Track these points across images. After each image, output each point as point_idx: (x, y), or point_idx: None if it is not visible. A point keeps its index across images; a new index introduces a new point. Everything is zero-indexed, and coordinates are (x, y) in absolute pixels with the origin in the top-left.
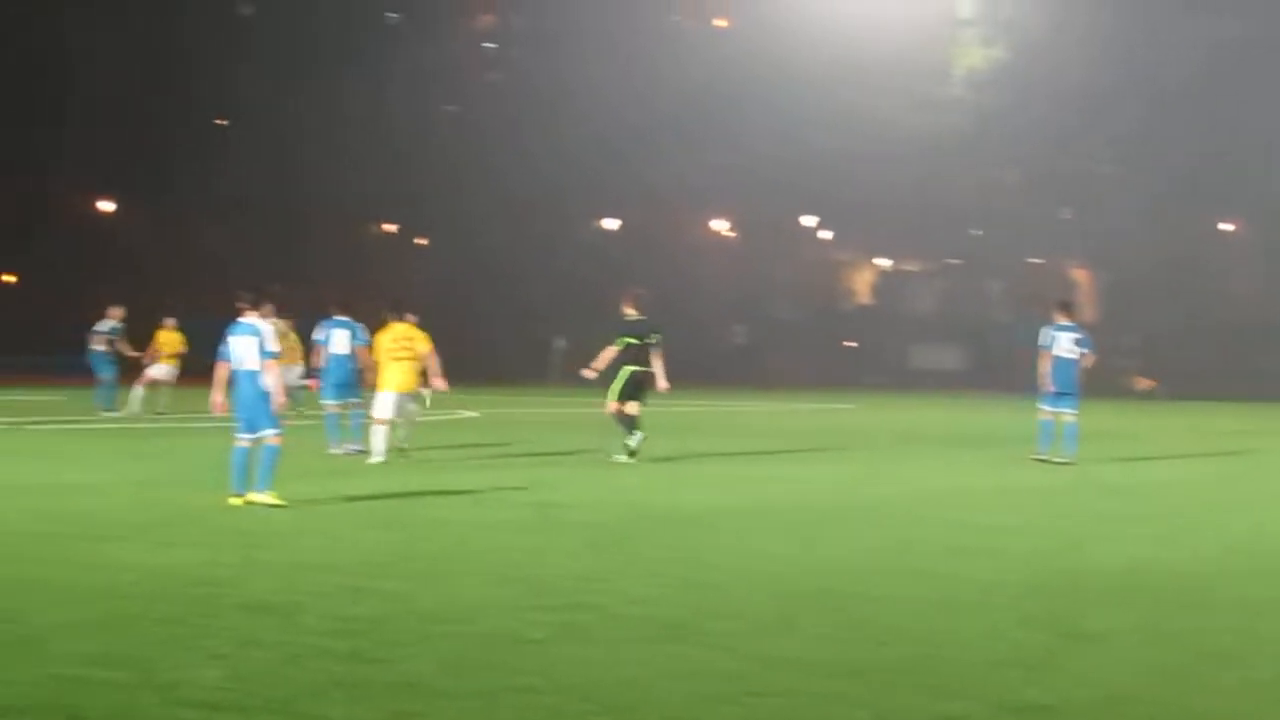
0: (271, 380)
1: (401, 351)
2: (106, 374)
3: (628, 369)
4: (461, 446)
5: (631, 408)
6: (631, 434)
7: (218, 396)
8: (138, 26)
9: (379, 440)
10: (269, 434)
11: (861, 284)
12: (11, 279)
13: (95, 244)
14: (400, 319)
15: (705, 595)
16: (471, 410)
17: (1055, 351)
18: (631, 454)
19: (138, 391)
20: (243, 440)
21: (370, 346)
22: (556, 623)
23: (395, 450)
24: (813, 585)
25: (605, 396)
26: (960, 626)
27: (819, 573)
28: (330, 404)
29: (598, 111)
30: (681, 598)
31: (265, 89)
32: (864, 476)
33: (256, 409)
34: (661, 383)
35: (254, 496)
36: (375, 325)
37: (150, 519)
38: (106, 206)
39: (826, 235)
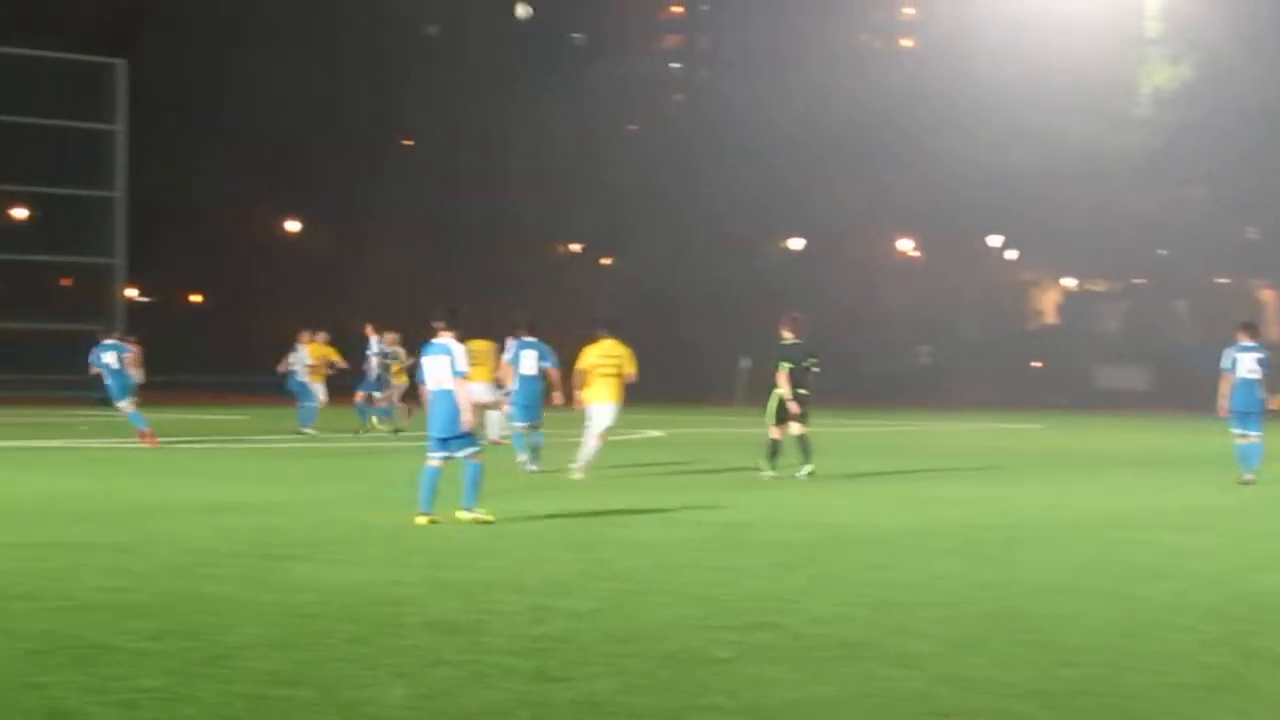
0: (464, 399)
1: (608, 366)
2: (307, 396)
3: (797, 391)
4: (648, 466)
5: (781, 430)
6: (774, 458)
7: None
8: (324, 48)
9: (587, 452)
10: (468, 452)
11: (1047, 304)
12: (198, 299)
13: (281, 264)
14: (610, 334)
15: (892, 615)
16: (657, 430)
17: (1237, 373)
18: (770, 470)
19: (398, 408)
20: (434, 460)
21: (558, 367)
22: (742, 642)
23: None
24: (998, 605)
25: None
26: (1144, 648)
27: (1005, 593)
28: (518, 424)
29: (784, 131)
30: (868, 617)
31: (450, 109)
32: (1049, 497)
33: (450, 429)
34: (793, 405)
35: (461, 515)
36: (562, 344)
37: (334, 537)
38: (293, 226)
39: (1012, 255)
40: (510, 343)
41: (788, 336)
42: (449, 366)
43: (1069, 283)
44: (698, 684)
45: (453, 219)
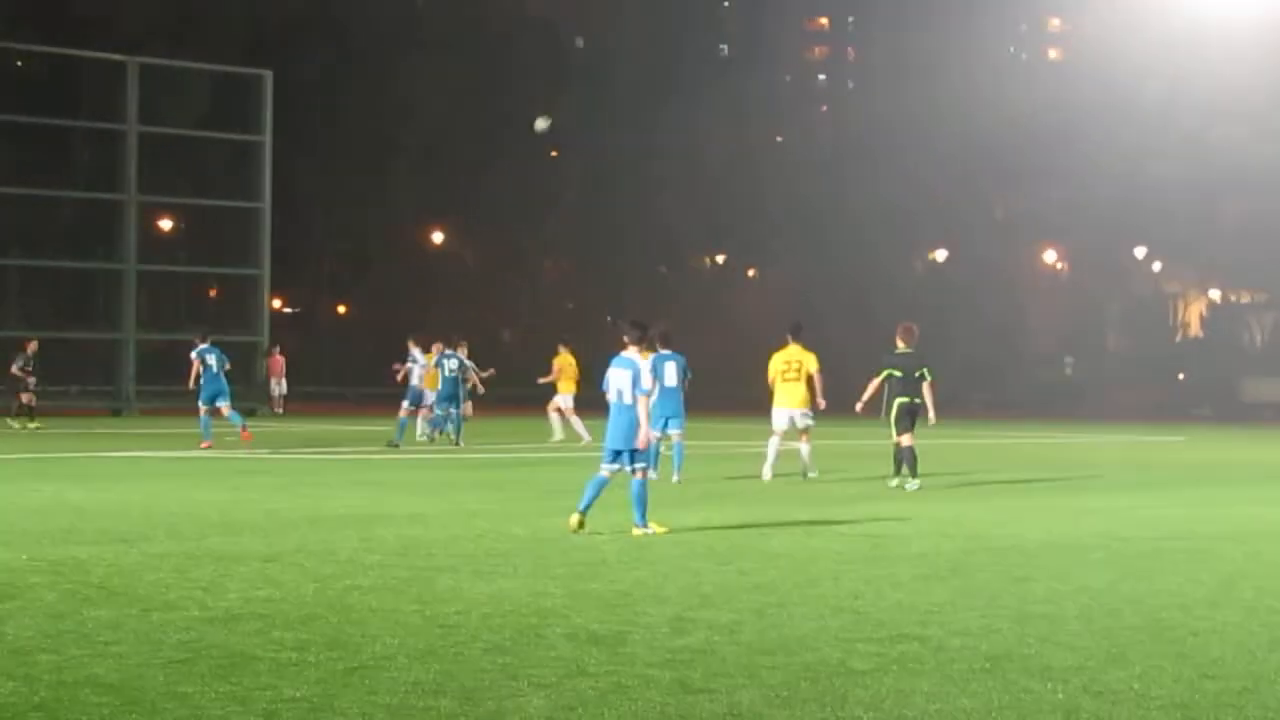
0: (643, 416)
1: (791, 372)
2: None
3: (897, 401)
4: (790, 476)
5: (910, 437)
6: (913, 465)
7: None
8: (473, 60)
9: (771, 453)
10: (637, 467)
11: (1192, 315)
12: (343, 310)
13: (424, 275)
14: (795, 340)
15: (1035, 627)
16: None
17: None
18: (901, 485)
19: (575, 423)
20: (605, 470)
21: (693, 379)
22: (883, 654)
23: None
24: (1141, 618)
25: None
26: None
27: (1148, 605)
28: (654, 434)
29: (928, 142)
30: (1011, 629)
31: (595, 121)
32: (1193, 509)
33: (626, 442)
34: (930, 415)
35: (635, 531)
36: (706, 354)
37: (478, 549)
38: (439, 238)
39: (1157, 266)
40: (652, 357)
41: (901, 346)
42: (632, 381)
43: (1214, 294)
44: (837, 696)
45: (599, 230)
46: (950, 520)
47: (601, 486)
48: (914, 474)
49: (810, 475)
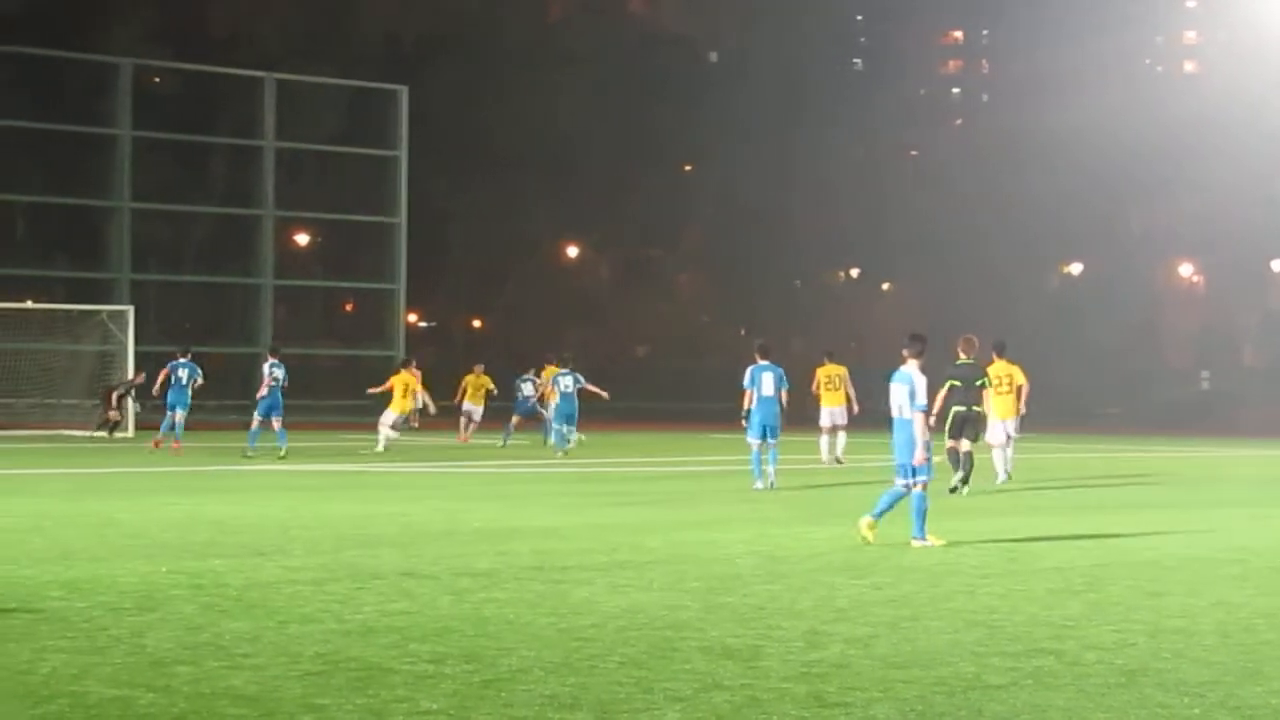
0: (920, 430)
1: (1004, 385)
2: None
3: (954, 409)
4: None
5: (962, 445)
6: (962, 469)
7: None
8: (606, 75)
9: (998, 462)
10: (917, 481)
11: None
12: (478, 324)
13: (559, 290)
14: (1002, 356)
15: (1170, 641)
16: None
17: None
18: (956, 489)
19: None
20: (899, 483)
21: (789, 390)
22: (1018, 668)
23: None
24: (1278, 633)
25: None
26: None
27: None
28: (754, 441)
29: (1064, 155)
30: (1147, 643)
31: (729, 135)
32: None
33: (907, 455)
34: (991, 428)
35: (915, 543)
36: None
37: (613, 561)
38: (573, 252)
39: None
40: (750, 368)
41: (962, 357)
42: (909, 396)
43: None
44: (973, 710)
45: (733, 244)
46: (1084, 534)
47: (896, 499)
48: (966, 479)
49: (1000, 480)
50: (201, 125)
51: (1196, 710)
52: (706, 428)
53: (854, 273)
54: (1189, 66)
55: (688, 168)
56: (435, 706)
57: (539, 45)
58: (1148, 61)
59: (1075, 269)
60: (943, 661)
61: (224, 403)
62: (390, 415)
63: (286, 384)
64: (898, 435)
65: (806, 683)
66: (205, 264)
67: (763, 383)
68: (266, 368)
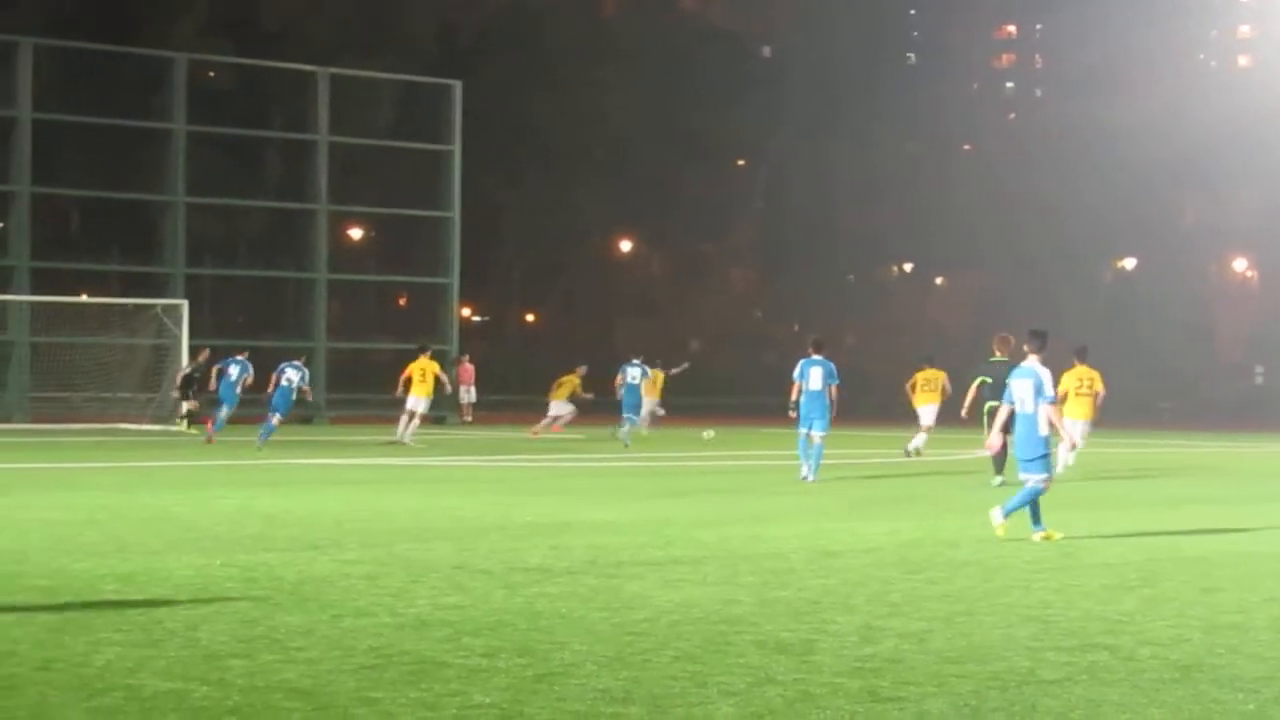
0: (1043, 424)
1: (1084, 388)
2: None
3: (988, 405)
4: (970, 489)
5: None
6: (1000, 465)
7: (994, 438)
8: (659, 70)
9: (1061, 454)
10: (1034, 477)
11: None
12: (531, 318)
13: (612, 284)
14: (1080, 360)
15: (1225, 637)
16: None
17: None
18: (1002, 483)
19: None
20: (1027, 480)
21: (840, 384)
22: (1073, 663)
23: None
24: None
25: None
26: None
27: None
28: (802, 431)
29: (1118, 150)
30: (1201, 639)
31: (781, 129)
32: None
33: (1027, 450)
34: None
35: (1035, 536)
36: (892, 363)
37: (667, 556)
38: (626, 246)
39: None
40: (800, 361)
41: (997, 355)
42: (1035, 390)
43: None
44: (1027, 705)
45: (786, 239)
46: (1138, 529)
47: (1031, 495)
48: (998, 471)
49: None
50: (255, 120)
51: (1251, 705)
52: (760, 422)
53: (906, 268)
54: (1243, 61)
55: (740, 163)
56: (488, 700)
57: (591, 41)
58: (1201, 56)
59: (1129, 264)
60: (997, 656)
61: None
62: (416, 401)
63: (307, 386)
64: (1020, 429)
65: (860, 677)
66: (259, 258)
67: (811, 376)
68: (287, 369)
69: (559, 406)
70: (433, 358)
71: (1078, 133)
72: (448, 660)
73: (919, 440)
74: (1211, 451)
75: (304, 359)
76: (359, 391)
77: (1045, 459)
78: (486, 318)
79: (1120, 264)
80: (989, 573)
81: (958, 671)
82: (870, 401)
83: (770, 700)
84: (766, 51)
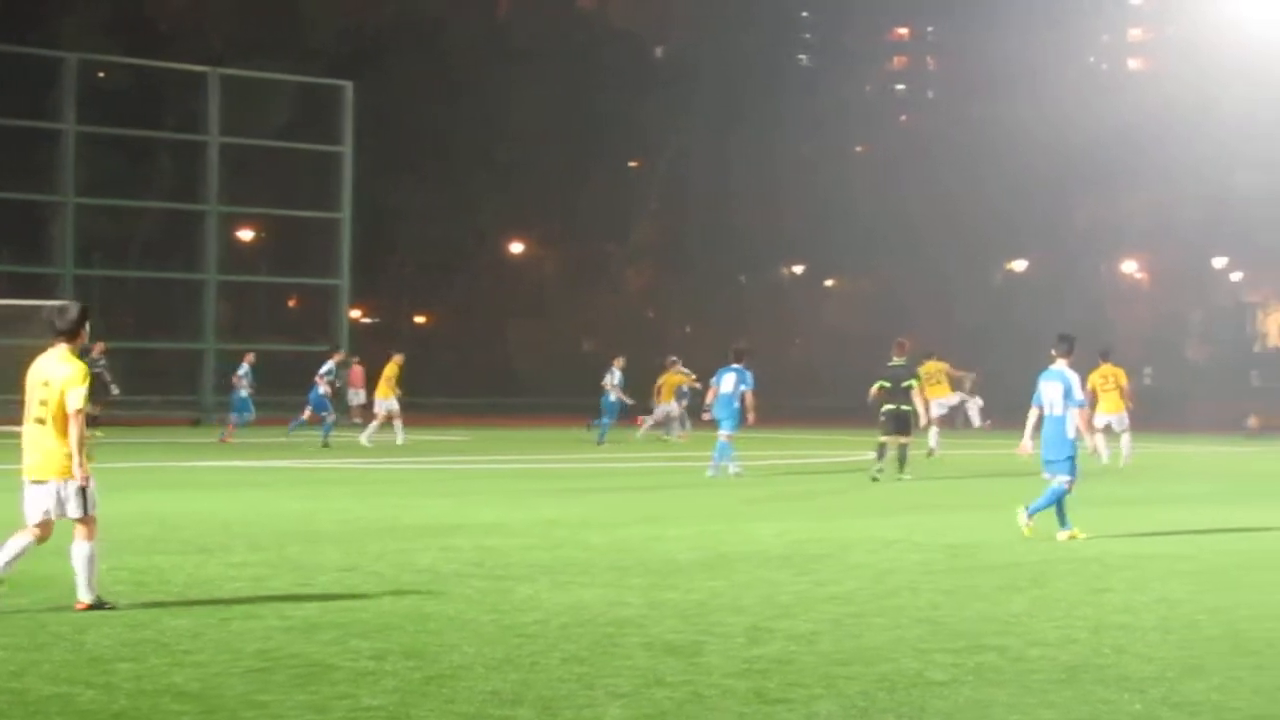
0: (1072, 427)
1: (1109, 384)
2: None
3: (885, 407)
4: (864, 490)
5: (890, 441)
6: (880, 461)
7: (1026, 442)
8: (552, 71)
9: (1124, 447)
10: (1060, 479)
11: (1272, 326)
12: (422, 320)
13: (505, 285)
14: (1106, 361)
15: (1113, 637)
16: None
17: None
18: (875, 479)
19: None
20: (1053, 480)
21: (755, 391)
22: (961, 664)
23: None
24: (1221, 629)
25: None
26: None
27: (1229, 617)
28: (724, 433)
29: (1011, 152)
30: (1089, 639)
31: (676, 131)
32: (1275, 520)
33: (1054, 451)
34: (922, 419)
35: (1060, 535)
36: (785, 363)
37: (555, 559)
38: (516, 248)
39: (1237, 277)
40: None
41: (895, 359)
42: (1064, 393)
43: None
44: (915, 706)
45: (681, 240)
46: (1033, 532)
47: (1057, 495)
48: (902, 468)
49: (1104, 462)
50: (147, 120)
51: (1138, 706)
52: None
53: (799, 269)
54: (1134, 64)
55: (635, 164)
56: (377, 703)
57: (488, 41)
58: (1092, 59)
59: (1020, 266)
60: (886, 658)
61: (167, 398)
62: (381, 404)
63: (338, 383)
64: (1049, 430)
65: (748, 679)
66: (150, 259)
67: (724, 381)
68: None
69: (664, 408)
70: (399, 363)
71: (970, 135)
72: (336, 663)
73: (934, 438)
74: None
75: (339, 357)
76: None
77: (1071, 460)
78: (378, 319)
79: (1011, 265)
80: (879, 575)
81: (846, 673)
82: (764, 403)
83: (659, 702)
84: (660, 53)
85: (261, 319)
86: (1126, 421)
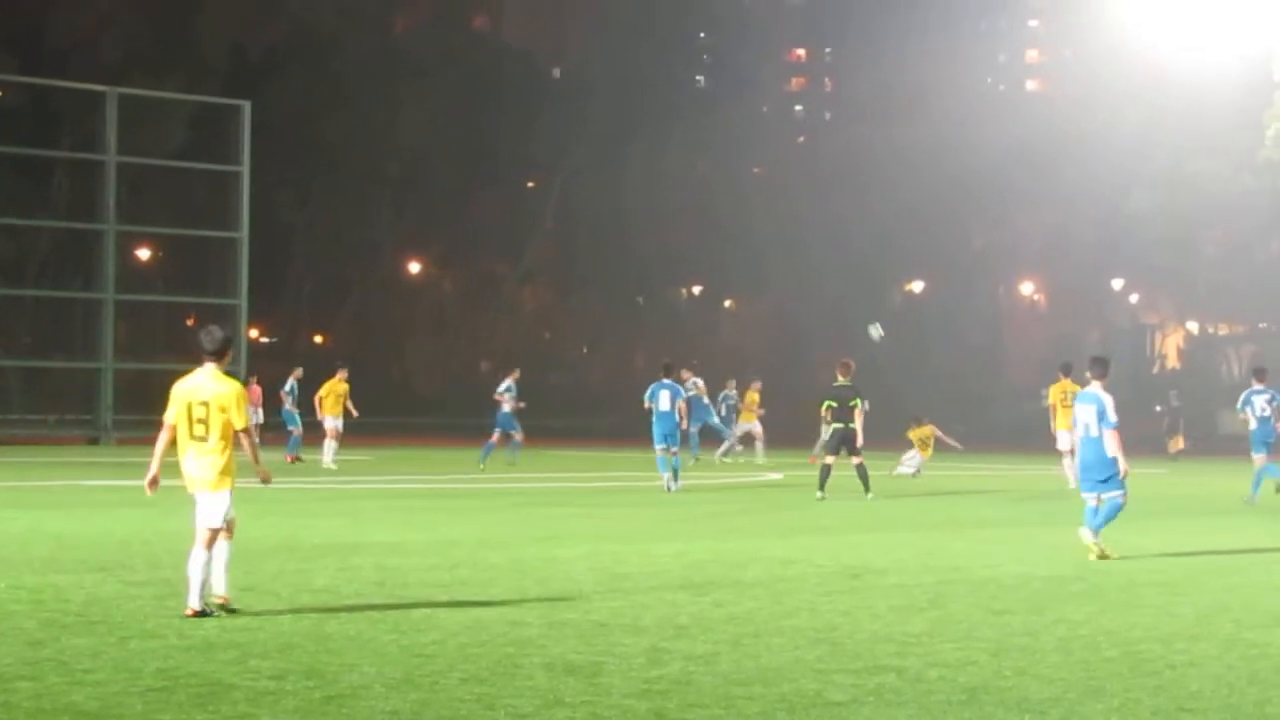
0: (1111, 446)
1: (1069, 400)
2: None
3: (833, 427)
4: (767, 508)
5: (833, 460)
6: (824, 482)
7: (1067, 461)
8: (449, 90)
9: (1068, 470)
10: (1113, 494)
11: (1169, 347)
12: (320, 340)
13: (403, 304)
14: (1068, 376)
15: (1013, 659)
16: (776, 473)
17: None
18: (820, 493)
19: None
20: (1089, 498)
21: (688, 403)
22: (860, 685)
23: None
24: (1119, 650)
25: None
26: (1266, 694)
27: (1125, 638)
28: (659, 448)
29: (907, 174)
30: (989, 661)
31: (572, 151)
32: (1171, 541)
33: (1098, 471)
34: (859, 439)
35: (1084, 537)
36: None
37: (454, 579)
38: (415, 268)
39: (1134, 298)
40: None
41: (840, 379)
42: (1098, 415)
43: (1192, 326)
44: None
45: (577, 261)
46: (928, 552)
47: (1113, 509)
48: (821, 488)
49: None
50: (44, 139)
51: None
52: (549, 444)
53: (696, 290)
54: (1031, 85)
55: (531, 184)
56: None
57: (383, 59)
58: (990, 80)
59: (917, 287)
60: (785, 678)
61: (64, 417)
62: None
63: (520, 402)
64: (1085, 453)
65: (648, 699)
66: (47, 278)
67: (660, 399)
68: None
69: (745, 425)
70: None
71: (867, 156)
72: (236, 682)
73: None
74: (1000, 473)
75: (514, 376)
76: (146, 412)
77: (1118, 476)
78: (276, 339)
79: (909, 287)
80: (777, 595)
81: (745, 693)
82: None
83: None
84: (557, 72)
85: (159, 338)
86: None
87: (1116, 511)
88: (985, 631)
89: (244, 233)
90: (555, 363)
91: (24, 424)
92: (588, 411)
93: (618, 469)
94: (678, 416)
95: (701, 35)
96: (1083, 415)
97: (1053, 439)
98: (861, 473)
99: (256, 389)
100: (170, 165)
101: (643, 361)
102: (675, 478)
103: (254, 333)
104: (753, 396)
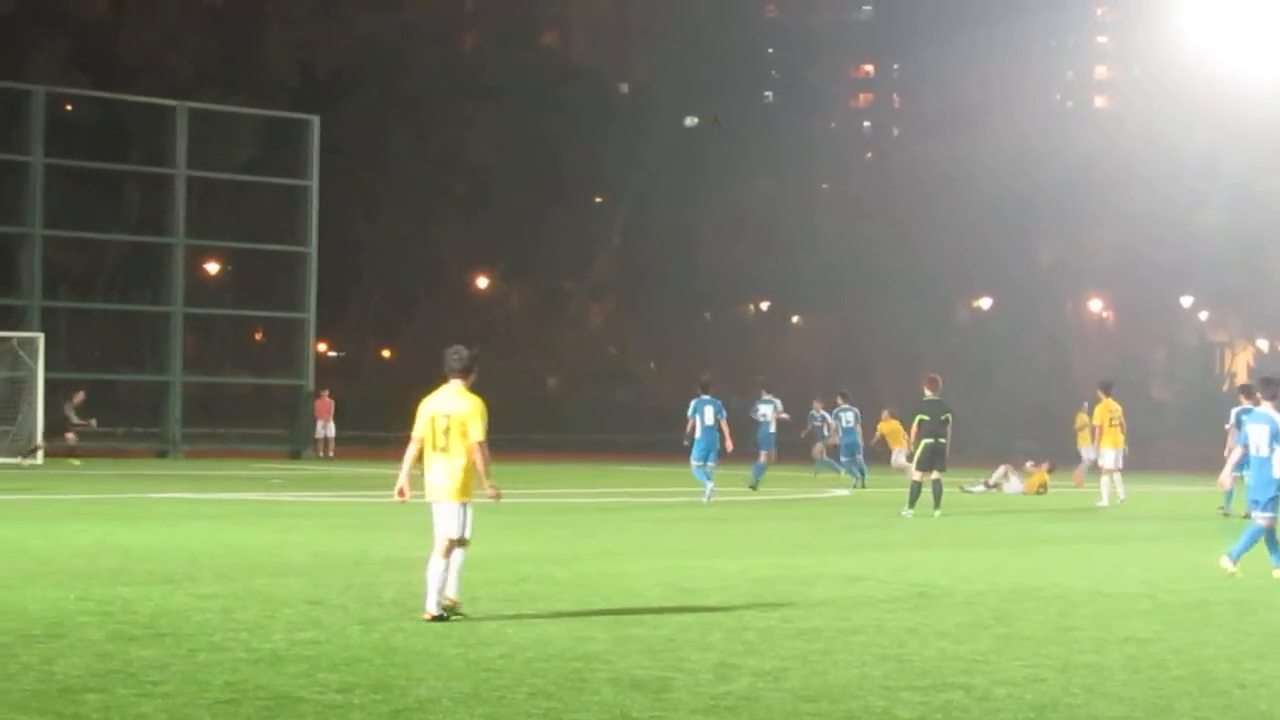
0: (1278, 468)
1: (1115, 419)
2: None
3: (924, 442)
4: (835, 524)
5: (922, 476)
6: (914, 499)
7: (1226, 476)
8: (514, 107)
9: (1105, 489)
10: (1264, 516)
11: (1239, 365)
12: (388, 354)
13: (469, 320)
14: (1108, 395)
15: (1080, 676)
16: (843, 489)
17: None
18: (909, 509)
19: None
20: (1259, 518)
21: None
22: (927, 703)
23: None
24: (1188, 669)
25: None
26: None
27: (1195, 656)
28: (697, 462)
29: (975, 189)
30: (1056, 679)
31: (640, 167)
32: (1242, 561)
33: (1265, 491)
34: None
35: (1275, 573)
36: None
37: (521, 593)
38: (482, 283)
39: (1203, 315)
40: (693, 401)
41: (928, 394)
42: (1270, 435)
43: (1262, 343)
44: None
45: (644, 276)
46: (994, 569)
47: (1257, 535)
48: (911, 505)
49: (1107, 503)
50: (114, 153)
51: None
52: (616, 459)
53: (764, 306)
54: (1100, 101)
55: (598, 199)
56: None
57: (451, 77)
58: (1058, 97)
59: (984, 304)
60: (852, 695)
61: (133, 430)
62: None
63: (780, 416)
64: (1257, 472)
65: (715, 715)
66: (116, 291)
67: (705, 414)
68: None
69: (899, 454)
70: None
71: (934, 172)
72: (303, 695)
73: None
74: (1066, 490)
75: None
76: (215, 425)
77: (1275, 500)
78: (344, 353)
79: (976, 303)
80: (844, 611)
81: (813, 710)
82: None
83: None
84: (625, 89)
85: (227, 352)
86: (1121, 461)
87: (1259, 535)
88: (1052, 649)
89: (313, 247)
90: (622, 379)
91: (94, 436)
92: (654, 427)
93: (683, 485)
94: (720, 432)
95: (770, 50)
96: (1255, 435)
97: (1076, 456)
98: (937, 489)
99: (328, 402)
100: (240, 179)
101: (711, 378)
102: (711, 492)
103: (322, 346)
104: (895, 425)
